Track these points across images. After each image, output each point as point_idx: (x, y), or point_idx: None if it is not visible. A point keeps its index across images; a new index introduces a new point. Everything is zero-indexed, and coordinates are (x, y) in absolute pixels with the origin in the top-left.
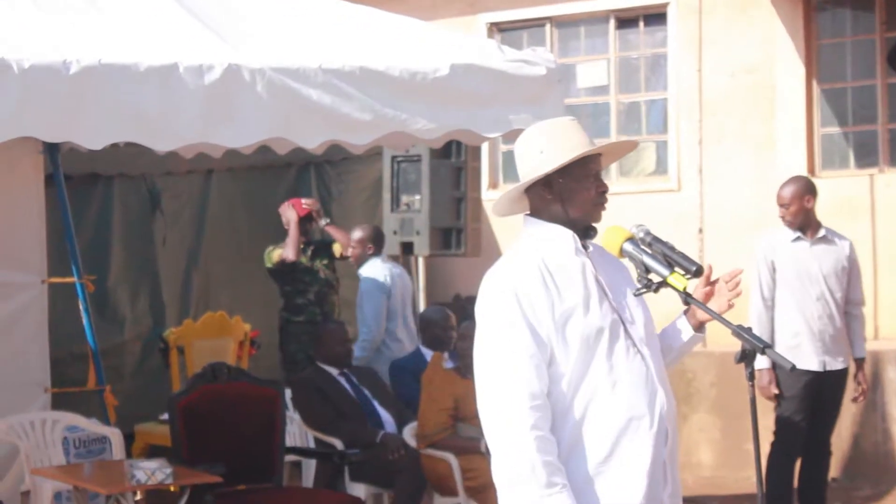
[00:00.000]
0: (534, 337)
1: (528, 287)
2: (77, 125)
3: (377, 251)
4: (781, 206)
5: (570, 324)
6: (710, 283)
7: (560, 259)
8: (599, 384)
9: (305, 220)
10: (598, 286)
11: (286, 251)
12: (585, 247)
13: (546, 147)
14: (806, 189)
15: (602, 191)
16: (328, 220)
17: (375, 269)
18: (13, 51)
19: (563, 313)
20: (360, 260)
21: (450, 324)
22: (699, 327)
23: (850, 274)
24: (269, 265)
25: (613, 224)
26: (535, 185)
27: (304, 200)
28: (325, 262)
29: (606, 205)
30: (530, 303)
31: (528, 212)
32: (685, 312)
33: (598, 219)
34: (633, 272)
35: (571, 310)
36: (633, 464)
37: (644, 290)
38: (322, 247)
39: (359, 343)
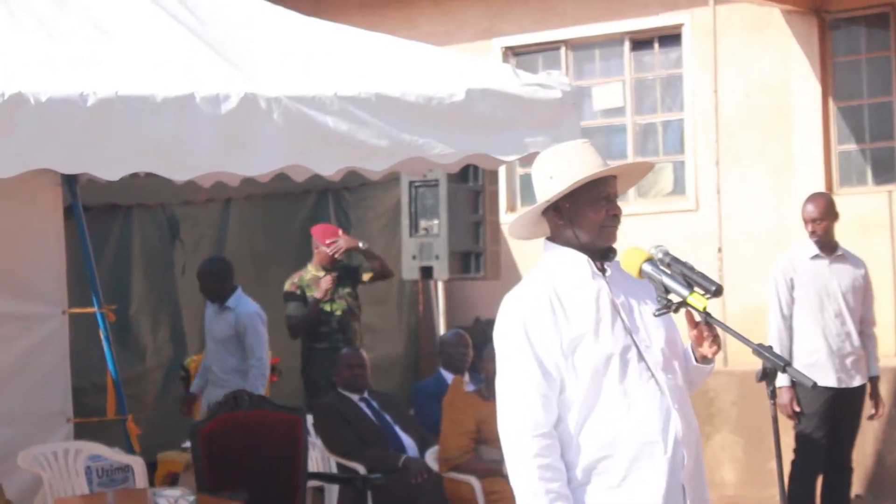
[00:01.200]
0: (540, 367)
1: (537, 317)
2: (95, 156)
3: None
4: (812, 221)
5: (579, 351)
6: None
7: (574, 284)
8: (611, 410)
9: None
10: (612, 310)
11: (317, 293)
12: (604, 269)
13: (555, 172)
14: (833, 205)
15: (613, 213)
16: (366, 244)
17: (247, 301)
18: (30, 84)
19: (572, 341)
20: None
21: (463, 342)
22: (703, 359)
23: (864, 293)
24: (286, 289)
25: (632, 245)
26: (548, 210)
27: (328, 241)
28: (347, 289)
29: (618, 227)
30: (538, 333)
31: (548, 235)
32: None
33: (608, 242)
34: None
35: (580, 337)
36: (648, 490)
37: (664, 310)
38: (346, 273)
39: (258, 376)
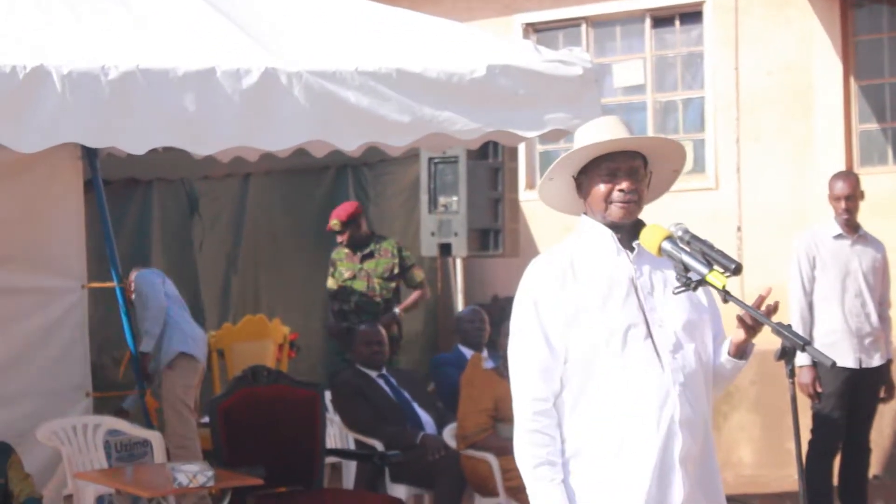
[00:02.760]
0: (546, 342)
1: (546, 290)
2: (118, 130)
3: None
4: (844, 198)
5: (583, 322)
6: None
7: (593, 258)
8: (608, 384)
9: (351, 224)
10: (629, 286)
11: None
12: (633, 247)
13: (576, 146)
14: (860, 183)
15: (619, 189)
16: (397, 311)
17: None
18: (52, 58)
19: (576, 311)
20: None
21: (478, 318)
22: (738, 353)
23: (883, 274)
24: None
25: (651, 223)
26: (578, 187)
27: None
28: (372, 267)
29: (628, 203)
30: (546, 306)
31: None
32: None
33: (618, 217)
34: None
35: (586, 309)
36: (639, 468)
37: (683, 288)
38: (370, 254)
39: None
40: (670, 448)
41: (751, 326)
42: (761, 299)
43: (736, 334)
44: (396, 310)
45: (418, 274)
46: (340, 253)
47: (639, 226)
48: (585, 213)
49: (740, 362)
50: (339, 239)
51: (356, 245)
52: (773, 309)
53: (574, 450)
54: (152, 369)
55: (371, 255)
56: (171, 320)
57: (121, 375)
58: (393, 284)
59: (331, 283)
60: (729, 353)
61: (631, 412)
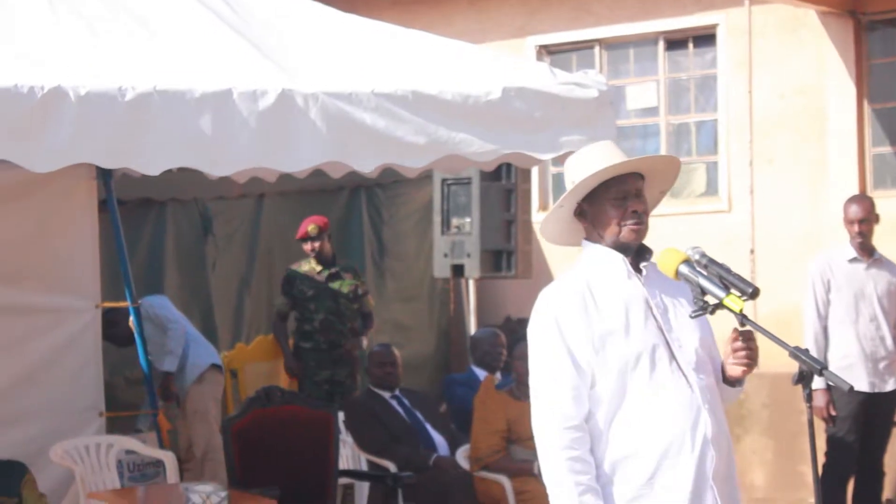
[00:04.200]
0: (572, 361)
1: (569, 313)
2: (134, 151)
3: None
4: (858, 221)
5: (609, 347)
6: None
7: (607, 282)
8: (640, 407)
9: (323, 235)
10: (646, 308)
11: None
12: (640, 269)
13: (575, 176)
14: (875, 206)
15: (633, 210)
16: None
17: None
18: (70, 78)
19: (602, 337)
20: None
21: (498, 342)
22: (733, 382)
23: None
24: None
25: (668, 247)
26: (577, 214)
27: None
28: (338, 286)
29: (641, 224)
30: (570, 328)
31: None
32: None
33: (630, 239)
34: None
35: (610, 333)
36: (676, 488)
37: (700, 312)
38: (337, 273)
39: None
40: (703, 467)
41: (747, 365)
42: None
43: (731, 370)
44: (364, 343)
45: (370, 302)
46: (299, 271)
47: (643, 248)
48: (587, 240)
49: (737, 389)
50: (310, 247)
51: (323, 261)
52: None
53: (608, 475)
54: (178, 388)
55: (338, 275)
56: (190, 337)
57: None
58: (356, 307)
59: (282, 303)
60: (725, 380)
61: (666, 434)
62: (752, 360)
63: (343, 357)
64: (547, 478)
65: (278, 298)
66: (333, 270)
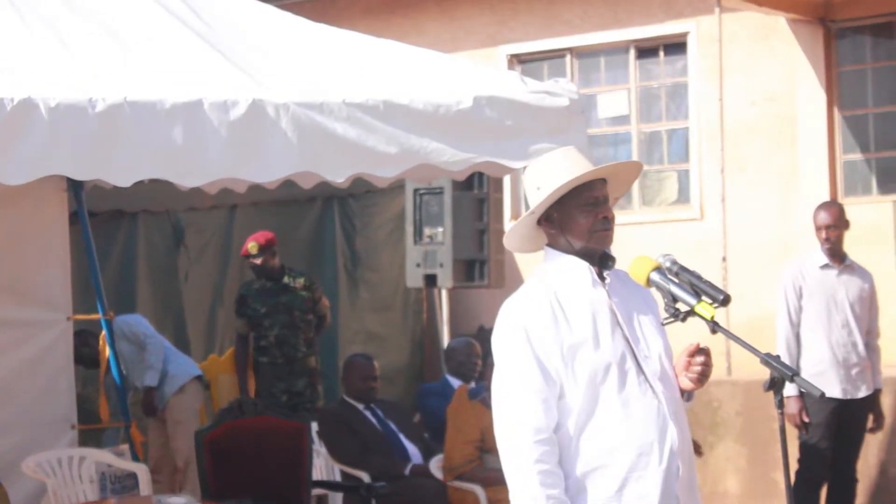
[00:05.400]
0: (542, 372)
1: (538, 322)
2: (105, 162)
3: None
4: (826, 227)
5: (579, 358)
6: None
7: (574, 291)
8: (608, 419)
9: (266, 251)
10: (612, 318)
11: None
12: (604, 277)
13: (542, 182)
14: (844, 213)
15: (603, 216)
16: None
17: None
18: (40, 89)
19: (572, 347)
20: None
21: (473, 352)
22: (683, 394)
23: (870, 304)
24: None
25: (638, 254)
26: (542, 221)
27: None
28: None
29: (610, 231)
30: (539, 337)
31: (547, 243)
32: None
33: (601, 245)
34: (662, 302)
35: (580, 344)
36: (643, 499)
37: (672, 319)
38: (285, 289)
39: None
40: (671, 479)
41: (700, 380)
42: (692, 355)
43: (684, 383)
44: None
45: (325, 304)
46: (250, 289)
47: (605, 255)
48: (550, 246)
49: (687, 403)
50: (254, 262)
51: (269, 275)
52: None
53: (577, 486)
54: (158, 400)
55: (287, 289)
56: (169, 350)
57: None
58: (310, 317)
59: (240, 325)
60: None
61: (635, 446)
62: (706, 376)
63: (298, 369)
64: (516, 490)
65: (236, 321)
66: (283, 284)
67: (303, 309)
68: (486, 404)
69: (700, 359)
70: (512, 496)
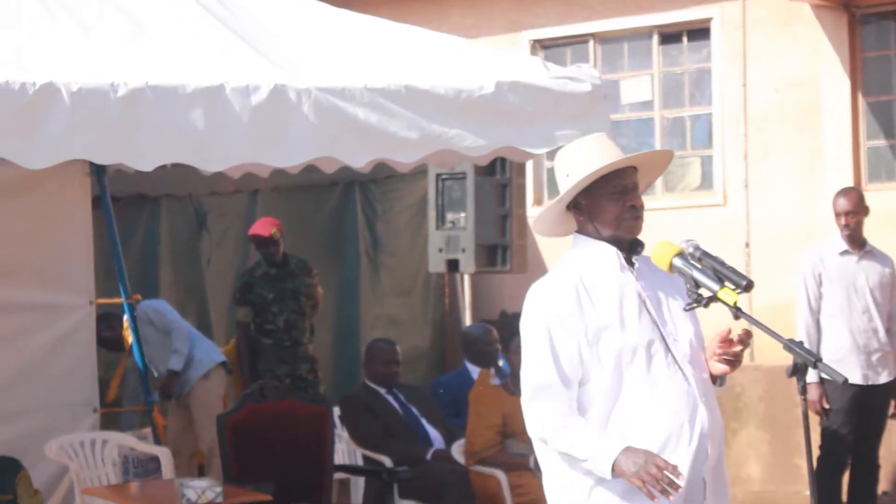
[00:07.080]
0: (568, 356)
1: (563, 307)
2: (127, 147)
3: None
4: (844, 214)
5: (604, 340)
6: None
7: (601, 276)
8: (637, 401)
9: (270, 243)
10: (639, 302)
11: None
12: (632, 262)
13: (571, 169)
14: (864, 199)
15: (631, 205)
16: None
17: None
18: (62, 75)
19: (597, 331)
20: None
21: (492, 338)
22: (714, 379)
23: (891, 290)
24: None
25: (662, 240)
26: (571, 207)
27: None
28: (295, 286)
29: (639, 218)
30: (565, 322)
31: (576, 230)
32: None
33: (629, 233)
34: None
35: (605, 327)
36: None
37: (694, 304)
38: (298, 270)
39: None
40: (699, 461)
41: (733, 362)
42: (728, 335)
43: (716, 367)
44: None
45: (321, 291)
46: (254, 276)
47: (634, 241)
48: (580, 232)
49: (718, 388)
50: (272, 249)
51: (278, 262)
52: (745, 339)
53: None
54: (178, 386)
55: (295, 274)
56: (194, 336)
57: (111, 397)
58: (312, 302)
59: (244, 314)
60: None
61: (665, 428)
62: (739, 360)
63: (302, 354)
64: (546, 458)
65: (238, 310)
66: (290, 269)
67: (308, 295)
68: (508, 389)
69: (736, 349)
70: (555, 459)
